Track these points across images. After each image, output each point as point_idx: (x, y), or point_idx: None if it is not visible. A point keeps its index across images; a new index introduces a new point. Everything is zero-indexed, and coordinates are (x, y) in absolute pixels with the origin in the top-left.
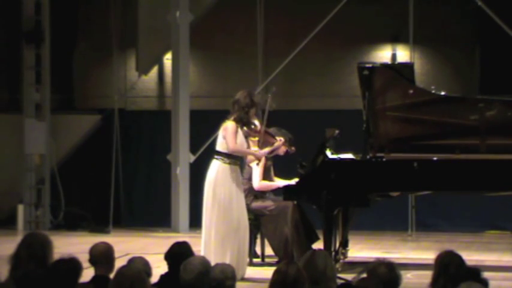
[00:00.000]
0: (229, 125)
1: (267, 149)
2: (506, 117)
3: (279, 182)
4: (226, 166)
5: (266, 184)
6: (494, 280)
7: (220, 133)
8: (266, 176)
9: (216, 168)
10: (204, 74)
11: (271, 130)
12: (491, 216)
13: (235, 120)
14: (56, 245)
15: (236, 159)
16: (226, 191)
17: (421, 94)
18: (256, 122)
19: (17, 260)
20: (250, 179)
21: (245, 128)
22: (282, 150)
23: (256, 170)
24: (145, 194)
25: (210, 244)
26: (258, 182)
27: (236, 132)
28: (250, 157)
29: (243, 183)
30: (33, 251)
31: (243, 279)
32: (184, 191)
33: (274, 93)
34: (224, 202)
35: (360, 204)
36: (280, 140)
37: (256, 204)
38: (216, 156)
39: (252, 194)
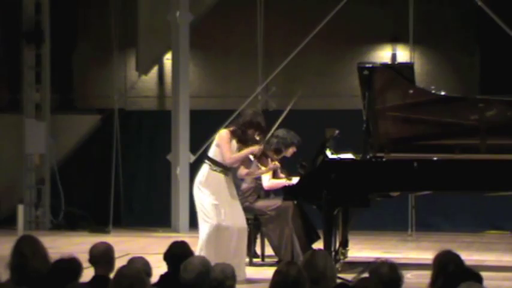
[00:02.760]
0: (223, 132)
1: (262, 169)
2: (506, 117)
3: (287, 180)
4: (214, 173)
5: (276, 182)
6: (494, 280)
7: (215, 140)
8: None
9: (203, 173)
10: (204, 74)
11: (279, 131)
12: (491, 216)
13: (231, 131)
14: (56, 245)
15: (226, 169)
16: (211, 195)
17: (421, 94)
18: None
19: (20, 258)
20: (256, 178)
21: (239, 144)
22: (290, 152)
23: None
24: (145, 194)
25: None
26: (267, 181)
27: (229, 141)
28: (240, 172)
29: (247, 182)
30: (36, 248)
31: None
32: (184, 191)
33: (274, 93)
34: (207, 205)
35: (360, 204)
36: (275, 164)
37: (260, 203)
38: (205, 160)
39: (256, 194)
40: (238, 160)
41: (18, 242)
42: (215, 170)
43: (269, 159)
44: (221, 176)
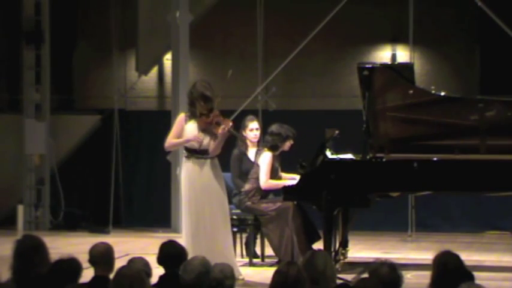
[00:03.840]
0: (178, 116)
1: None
2: (506, 117)
3: (286, 181)
4: (185, 160)
5: (274, 183)
6: (494, 280)
7: None
8: (273, 177)
9: (182, 163)
10: (204, 74)
11: (273, 127)
12: (491, 217)
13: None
14: (56, 245)
15: (195, 153)
16: (190, 185)
17: (420, 94)
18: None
19: (23, 258)
20: (258, 178)
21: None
22: (287, 146)
23: (263, 169)
24: (145, 194)
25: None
26: (264, 181)
27: (180, 123)
28: (211, 146)
29: (251, 183)
30: (39, 249)
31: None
32: None
33: (274, 93)
34: (184, 199)
35: (360, 204)
36: (223, 128)
37: (263, 205)
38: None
39: (259, 194)
40: (173, 145)
41: (21, 243)
42: (187, 157)
43: (221, 127)
44: (194, 161)
